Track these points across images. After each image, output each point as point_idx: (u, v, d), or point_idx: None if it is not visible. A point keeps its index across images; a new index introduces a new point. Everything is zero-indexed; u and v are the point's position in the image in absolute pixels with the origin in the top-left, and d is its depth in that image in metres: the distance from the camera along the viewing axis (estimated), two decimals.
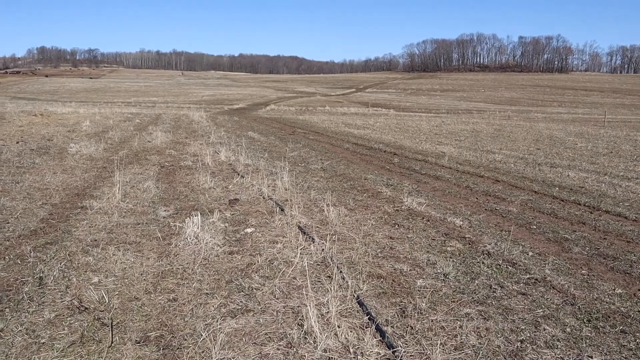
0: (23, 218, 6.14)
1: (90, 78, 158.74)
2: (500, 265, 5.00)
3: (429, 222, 6.55)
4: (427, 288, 4.35)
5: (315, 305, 3.69)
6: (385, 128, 24.79)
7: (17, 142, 13.16)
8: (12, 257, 4.78)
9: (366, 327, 3.59)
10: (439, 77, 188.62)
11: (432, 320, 3.73)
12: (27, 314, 3.65)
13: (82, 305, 3.79)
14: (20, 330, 3.41)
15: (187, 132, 17.69)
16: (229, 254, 5.04)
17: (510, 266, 4.97)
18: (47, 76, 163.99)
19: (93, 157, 11.07)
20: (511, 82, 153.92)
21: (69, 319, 3.60)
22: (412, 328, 3.61)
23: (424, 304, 3.98)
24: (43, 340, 3.30)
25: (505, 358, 3.25)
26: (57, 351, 3.17)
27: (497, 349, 3.36)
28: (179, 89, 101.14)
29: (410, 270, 4.79)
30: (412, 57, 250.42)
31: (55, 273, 4.37)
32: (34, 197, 7.18)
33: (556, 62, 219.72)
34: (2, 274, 4.38)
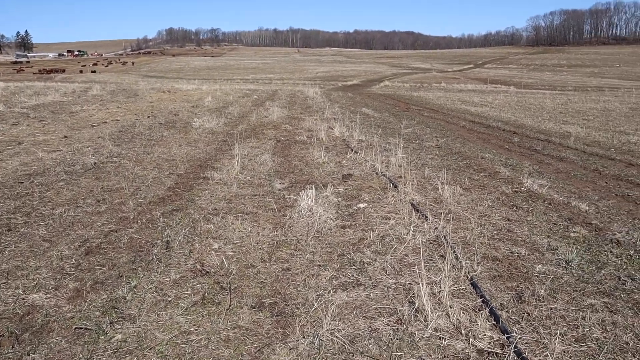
0: (153, 186, 6.63)
1: (212, 56, 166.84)
2: (631, 255, 4.60)
3: (550, 206, 6.18)
4: (546, 274, 4.12)
5: (427, 283, 3.64)
6: (504, 106, 23.65)
7: (148, 117, 14.19)
8: (143, 221, 5.19)
9: (479, 310, 3.48)
10: (566, 51, 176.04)
11: (551, 309, 3.54)
12: (156, 274, 3.95)
13: (204, 269, 4.03)
14: (150, 288, 3.71)
15: (302, 107, 18.05)
16: (342, 228, 5.10)
17: None
18: (173, 55, 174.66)
19: (214, 131, 11.65)
20: None
21: (192, 281, 3.85)
22: (529, 315, 3.45)
23: (542, 291, 3.78)
24: (170, 299, 3.56)
25: (634, 356, 3.01)
26: (181, 309, 3.41)
27: (624, 345, 3.11)
28: (294, 65, 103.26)
29: (528, 254, 4.56)
30: (537, 30, 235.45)
31: (180, 238, 4.69)
32: (162, 167, 7.72)
33: None
34: (135, 236, 4.78)
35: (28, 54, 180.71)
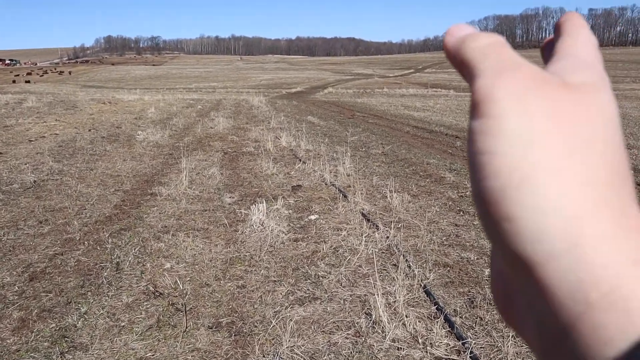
0: (98, 204, 6.43)
1: (154, 65, 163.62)
2: None
3: None
4: None
5: (383, 294, 3.69)
6: (445, 110, 24.28)
7: (89, 130, 13.76)
8: (90, 242, 5.03)
9: (434, 318, 3.57)
10: None
11: None
12: (107, 298, 3.84)
13: (157, 291, 3.95)
14: (102, 314, 3.60)
15: (247, 117, 17.94)
16: (294, 241, 5.10)
17: None
18: (113, 64, 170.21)
19: (159, 144, 11.43)
20: None
21: (145, 303, 3.77)
22: (481, 319, 3.56)
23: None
24: (123, 324, 3.47)
25: None
26: (136, 334, 3.33)
27: None
28: (237, 73, 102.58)
29: (477, 259, 4.71)
30: None
31: (130, 259, 4.57)
32: (107, 184, 7.50)
33: (630, 35, 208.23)
34: (82, 258, 4.62)
35: None
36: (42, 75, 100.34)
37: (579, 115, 0.24)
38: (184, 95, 35.81)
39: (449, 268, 4.49)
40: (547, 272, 0.22)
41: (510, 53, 0.27)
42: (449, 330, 3.40)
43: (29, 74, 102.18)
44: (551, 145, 0.23)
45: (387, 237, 5.10)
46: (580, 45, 0.29)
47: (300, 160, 9.12)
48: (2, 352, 3.17)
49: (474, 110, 0.25)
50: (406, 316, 3.49)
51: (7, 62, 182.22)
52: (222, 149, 10.55)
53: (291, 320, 3.46)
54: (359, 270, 4.41)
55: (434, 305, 3.75)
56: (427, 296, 3.92)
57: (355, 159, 9.34)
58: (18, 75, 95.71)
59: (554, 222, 0.22)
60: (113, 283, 4.10)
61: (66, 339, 3.30)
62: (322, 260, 4.61)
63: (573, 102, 0.24)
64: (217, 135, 12.74)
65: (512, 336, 3.27)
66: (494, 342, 3.26)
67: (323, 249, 4.84)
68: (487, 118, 0.24)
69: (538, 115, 0.24)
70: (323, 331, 3.39)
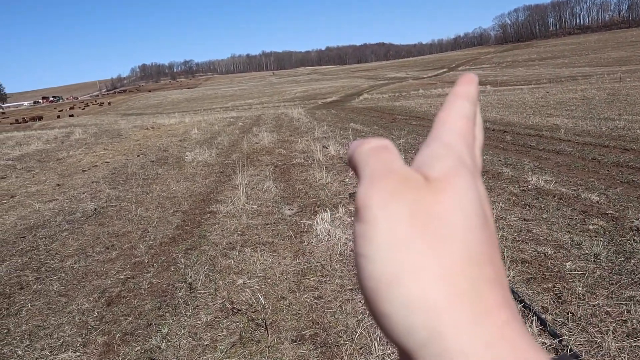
0: (160, 226, 6.50)
1: (189, 88, 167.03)
2: None
3: (561, 200, 6.16)
4: (578, 271, 4.07)
5: None
6: (487, 105, 23.83)
7: (138, 155, 14.06)
8: (159, 263, 5.07)
9: (523, 316, 3.41)
10: (535, 45, 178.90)
11: (593, 306, 3.48)
12: (185, 318, 3.83)
13: (234, 307, 3.92)
14: (183, 334, 3.59)
15: (290, 130, 18.01)
16: None
17: None
18: (149, 91, 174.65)
19: (208, 162, 11.55)
20: (618, 40, 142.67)
21: (224, 320, 3.74)
22: (573, 315, 3.39)
23: (580, 288, 3.73)
24: (206, 342, 3.45)
25: None
26: (221, 352, 3.30)
27: None
28: (271, 88, 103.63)
29: (554, 252, 4.52)
30: (504, 28, 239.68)
31: (202, 277, 4.57)
32: (165, 206, 7.59)
33: None
34: (154, 280, 4.65)
35: (3, 105, 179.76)
36: (83, 109, 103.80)
37: (437, 213, 0.26)
38: (223, 115, 36.33)
39: (527, 264, 4.32)
40: (423, 358, 0.24)
41: (387, 157, 0.29)
42: (541, 328, 3.25)
43: (71, 108, 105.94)
44: (412, 247, 0.25)
45: None
46: (449, 122, 0.32)
47: None
48: None
49: (356, 214, 0.28)
50: None
51: (51, 99, 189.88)
52: (272, 163, 10.58)
53: (377, 328, 3.36)
54: None
55: (520, 303, 3.60)
56: (512, 294, 3.76)
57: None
58: (62, 110, 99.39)
59: (419, 316, 0.24)
60: (189, 302, 4.10)
61: None
62: None
63: (431, 201, 0.27)
64: (263, 150, 12.80)
65: (612, 331, 3.09)
66: (592, 338, 3.08)
67: None
68: (363, 223, 0.27)
69: (400, 220, 0.26)
70: None
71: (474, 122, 0.34)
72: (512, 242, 4.83)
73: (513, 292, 3.76)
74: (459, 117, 0.32)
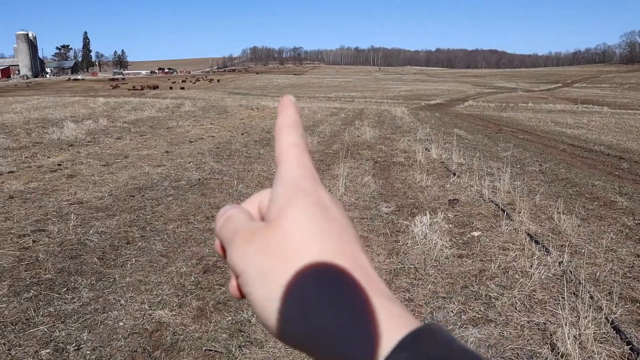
0: None
1: (295, 74, 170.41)
2: None
3: None
4: None
5: (566, 324, 3.36)
6: (602, 128, 22.34)
7: (242, 134, 14.53)
8: None
9: (628, 359, 3.17)
10: None
11: None
12: None
13: None
14: None
15: (392, 127, 17.85)
16: (459, 257, 4.87)
17: None
18: (257, 73, 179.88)
19: (309, 150, 11.69)
20: None
21: None
22: None
23: None
24: None
25: None
26: None
27: None
28: (376, 84, 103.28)
29: None
30: (631, 47, 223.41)
31: None
32: (265, 186, 7.77)
33: None
34: None
35: (123, 72, 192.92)
36: (194, 83, 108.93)
37: (279, 241, 0.34)
38: (326, 104, 36.71)
39: (638, 304, 4.00)
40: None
41: (232, 225, 0.38)
42: None
43: (183, 81, 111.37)
44: (271, 270, 0.34)
45: (561, 262, 4.69)
46: (283, 159, 0.39)
47: (453, 173, 8.82)
48: (186, 337, 3.33)
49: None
50: (597, 353, 3.13)
51: (166, 70, 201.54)
52: (372, 158, 10.54)
53: (466, 341, 3.26)
54: (534, 295, 4.08)
55: (627, 345, 3.34)
56: (617, 333, 3.50)
57: (510, 175, 8.84)
58: (175, 82, 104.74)
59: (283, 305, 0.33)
60: None
61: (242, 333, 3.39)
62: (491, 280, 4.34)
63: (272, 236, 0.35)
64: (365, 144, 12.79)
65: None
66: None
67: (491, 269, 4.55)
68: (240, 276, 0.36)
69: (257, 257, 0.34)
70: (502, 357, 3.15)
71: (304, 143, 0.40)
72: (622, 278, 4.50)
73: (617, 330, 3.49)
74: (289, 147, 0.39)
